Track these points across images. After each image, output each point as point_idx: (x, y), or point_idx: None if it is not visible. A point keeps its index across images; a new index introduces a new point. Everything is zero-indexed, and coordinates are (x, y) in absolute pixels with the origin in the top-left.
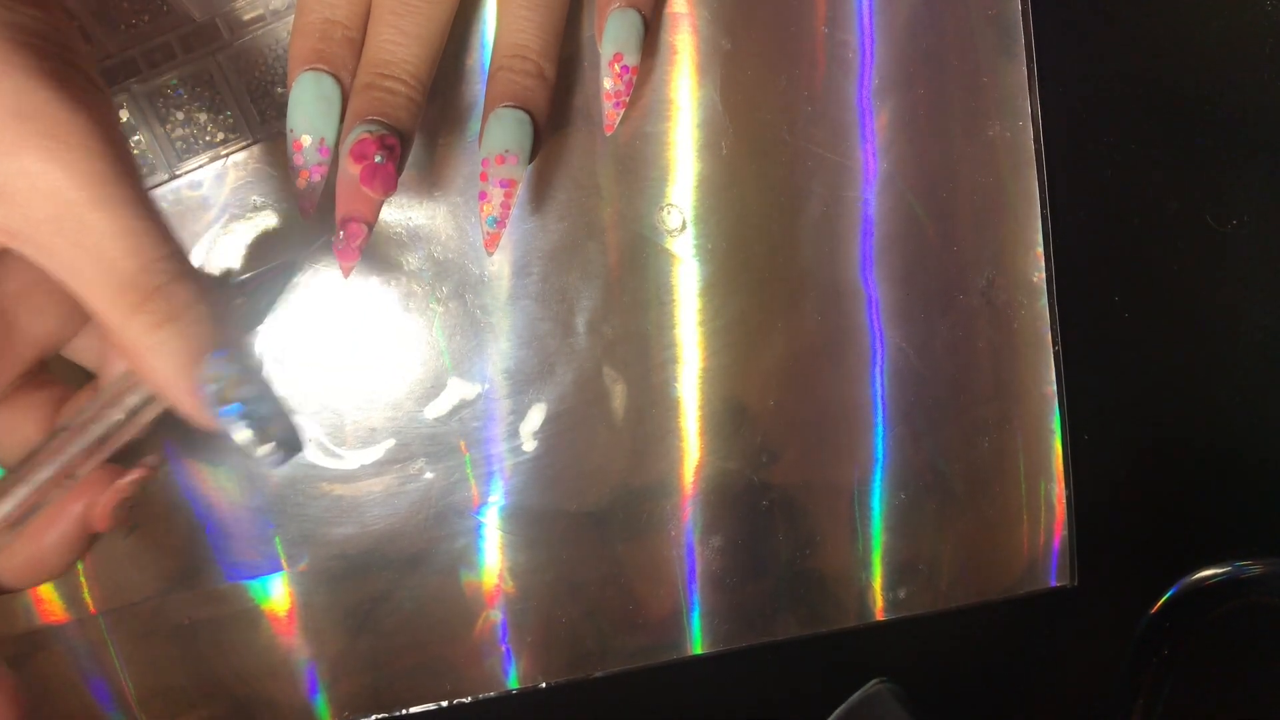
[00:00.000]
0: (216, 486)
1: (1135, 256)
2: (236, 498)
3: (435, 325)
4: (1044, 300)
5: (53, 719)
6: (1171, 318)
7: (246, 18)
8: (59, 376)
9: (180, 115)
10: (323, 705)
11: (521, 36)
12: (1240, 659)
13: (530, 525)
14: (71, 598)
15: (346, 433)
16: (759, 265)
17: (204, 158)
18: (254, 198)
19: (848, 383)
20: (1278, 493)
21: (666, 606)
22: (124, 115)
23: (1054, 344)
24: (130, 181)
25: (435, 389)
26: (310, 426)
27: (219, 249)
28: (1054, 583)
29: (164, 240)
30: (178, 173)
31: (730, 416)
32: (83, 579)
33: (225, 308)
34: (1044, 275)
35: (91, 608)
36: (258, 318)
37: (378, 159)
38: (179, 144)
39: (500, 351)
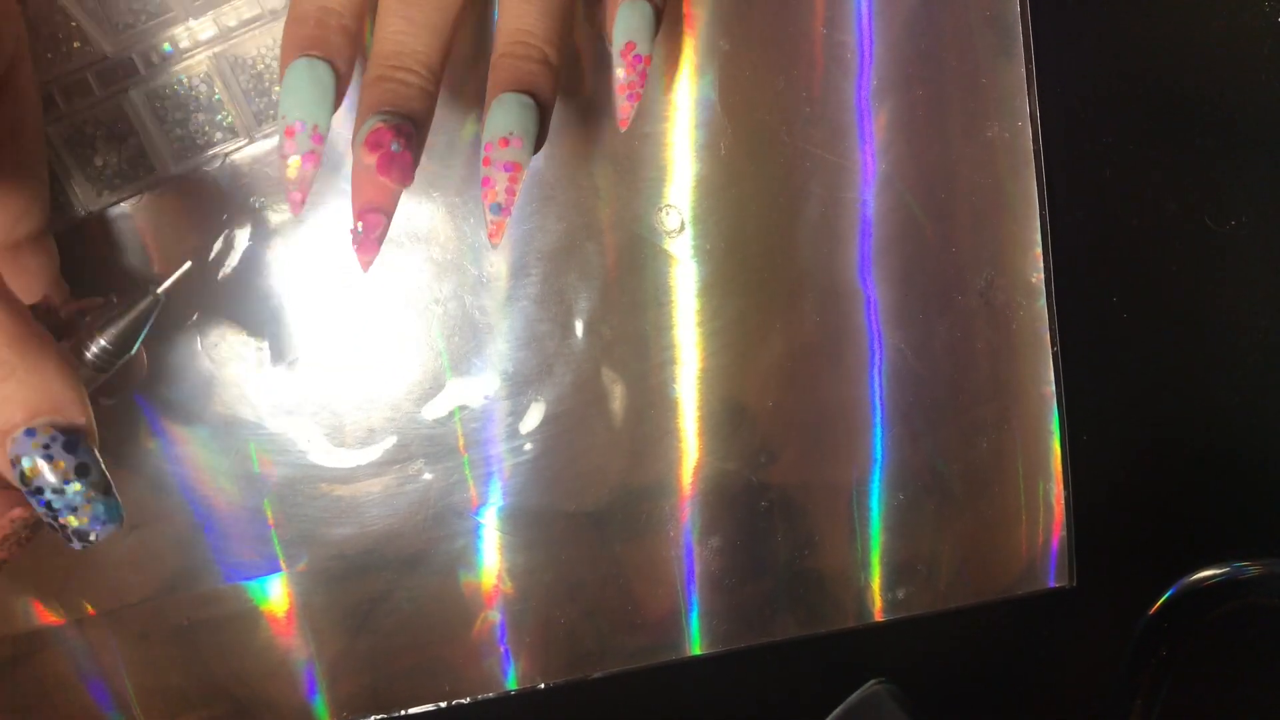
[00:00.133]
0: (215, 487)
1: (1134, 257)
2: (235, 498)
3: (434, 326)
4: (1042, 301)
5: (51, 719)
6: (1170, 318)
7: (244, 16)
8: None
9: (178, 116)
10: (321, 706)
11: (525, 21)
12: (1238, 659)
13: (529, 526)
14: (70, 598)
15: (345, 433)
16: (757, 266)
17: (202, 158)
18: (252, 199)
19: (846, 383)
20: (1276, 493)
21: (665, 607)
22: (122, 115)
23: (1053, 344)
24: None
25: (434, 390)
26: (309, 426)
27: (218, 251)
28: (1053, 583)
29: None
30: (175, 173)
31: (729, 417)
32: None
33: (62, 369)
34: (1043, 276)
35: (90, 608)
36: (113, 362)
37: (394, 147)
38: (176, 145)
39: (499, 352)
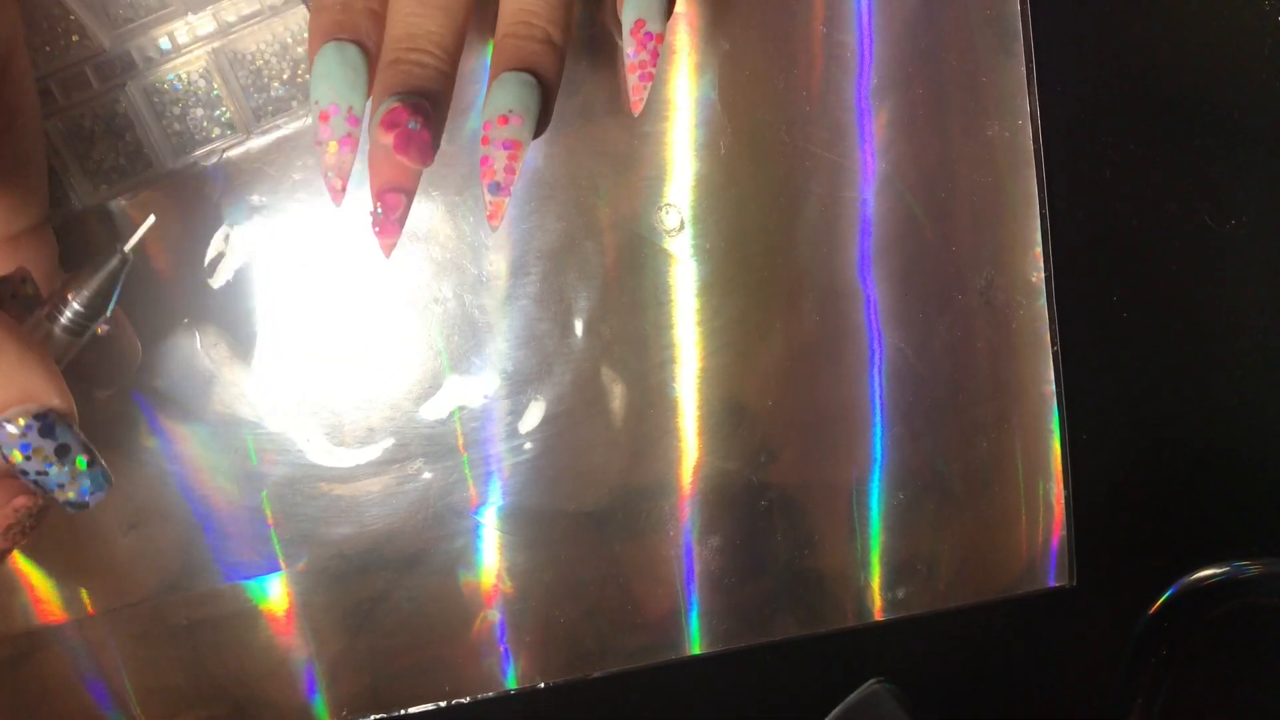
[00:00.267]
0: (215, 486)
1: (1134, 256)
2: (234, 497)
3: (434, 325)
4: (1043, 300)
5: (51, 719)
6: (1170, 318)
7: (244, 12)
8: None
9: (176, 110)
10: (321, 705)
11: (527, 2)
12: (1238, 659)
13: (528, 525)
14: (70, 598)
15: (345, 432)
16: (757, 265)
17: (200, 153)
18: (254, 198)
19: (846, 383)
20: (1276, 493)
21: (665, 606)
22: (120, 110)
23: (1053, 344)
24: None
25: (433, 389)
26: (309, 426)
27: (217, 250)
28: (1053, 583)
29: None
30: (172, 168)
31: (728, 416)
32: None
33: (27, 355)
34: (1043, 275)
35: (90, 608)
36: (86, 326)
37: (412, 125)
38: (174, 140)
39: (498, 351)
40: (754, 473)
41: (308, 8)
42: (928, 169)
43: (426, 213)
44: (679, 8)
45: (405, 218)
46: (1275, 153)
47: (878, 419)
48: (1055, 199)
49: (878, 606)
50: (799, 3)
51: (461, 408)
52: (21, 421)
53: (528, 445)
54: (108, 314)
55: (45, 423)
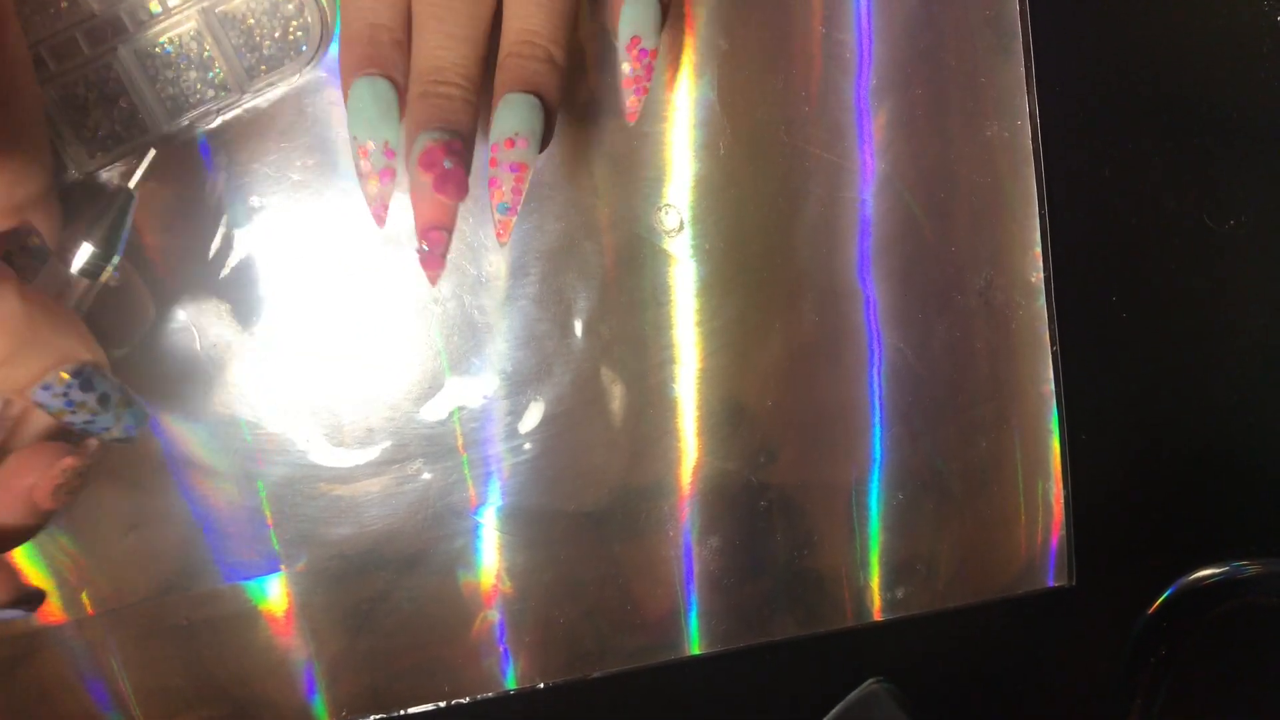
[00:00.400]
0: (214, 487)
1: (1133, 257)
2: (234, 498)
3: (433, 326)
4: (1042, 300)
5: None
6: (1169, 318)
7: None
8: None
9: (169, 74)
10: (320, 705)
11: (530, 22)
12: (1238, 659)
13: (528, 526)
14: (70, 599)
15: (344, 433)
16: (756, 265)
17: (194, 114)
18: (253, 199)
19: (845, 383)
20: (1275, 493)
21: (664, 607)
22: (111, 74)
23: (1052, 344)
24: None
25: (433, 389)
26: (308, 426)
27: (217, 250)
28: (1052, 582)
29: None
30: (168, 131)
31: (728, 417)
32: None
33: (55, 318)
34: (1042, 275)
35: (89, 609)
36: (101, 266)
37: (447, 164)
38: (168, 103)
39: (498, 352)
40: (753, 473)
41: None
42: (927, 169)
43: None
44: (678, 8)
45: (447, 250)
46: (1274, 153)
47: (877, 419)
48: (1054, 199)
49: (877, 606)
50: (798, 3)
51: (461, 408)
52: (65, 377)
53: (527, 446)
54: (118, 253)
55: (83, 378)
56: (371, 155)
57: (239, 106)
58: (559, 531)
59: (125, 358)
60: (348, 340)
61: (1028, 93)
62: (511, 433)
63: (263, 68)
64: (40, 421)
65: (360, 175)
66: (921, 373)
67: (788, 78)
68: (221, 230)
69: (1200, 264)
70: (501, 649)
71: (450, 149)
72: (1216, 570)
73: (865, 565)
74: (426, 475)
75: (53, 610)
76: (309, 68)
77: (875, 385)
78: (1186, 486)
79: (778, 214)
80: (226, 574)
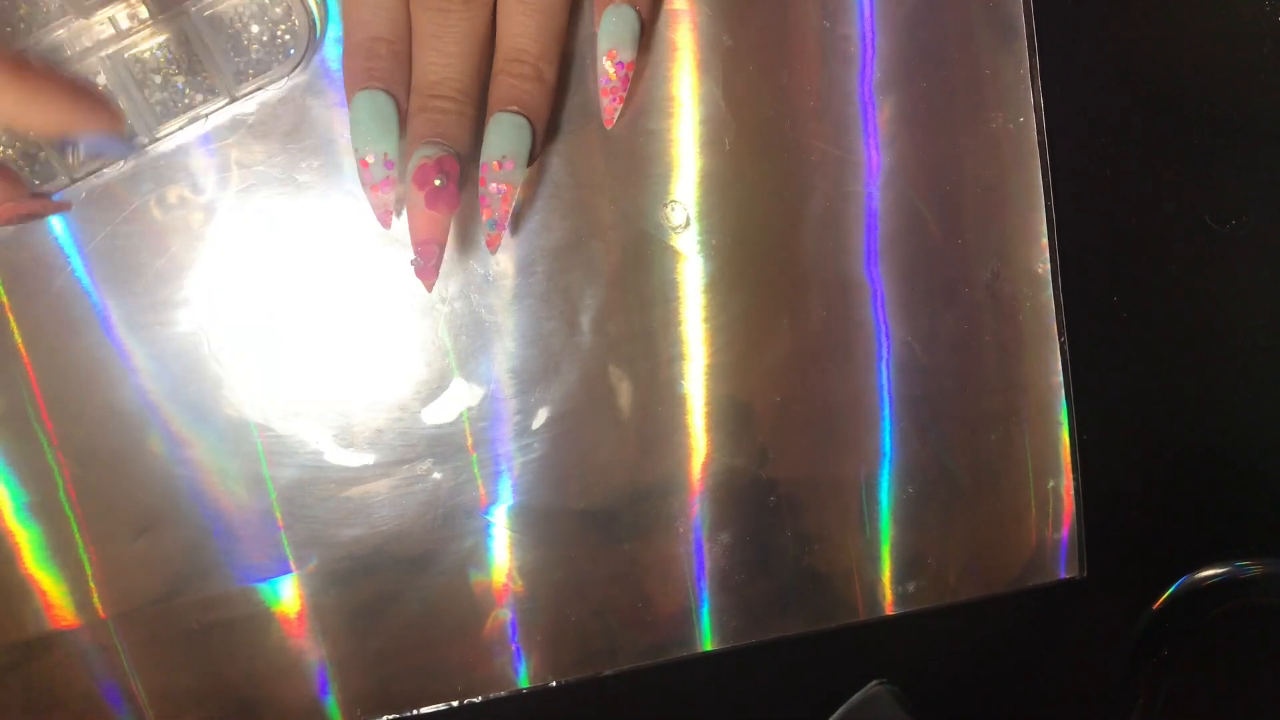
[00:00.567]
0: (224, 490)
1: (1133, 258)
2: (244, 500)
3: (441, 325)
4: (1049, 291)
5: None
6: (1170, 318)
7: None
8: None
9: (158, 79)
10: (333, 705)
11: (520, 40)
12: (1239, 659)
13: (538, 524)
14: (81, 603)
15: (353, 434)
16: (763, 261)
17: (183, 119)
18: (259, 200)
19: (853, 377)
20: (1277, 493)
21: (675, 604)
22: (101, 81)
23: (1060, 335)
24: None
25: (441, 389)
26: (317, 428)
27: (223, 257)
28: (1064, 574)
29: None
30: (158, 136)
31: (736, 413)
32: (92, 584)
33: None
34: (1048, 266)
35: (101, 612)
36: None
37: (437, 182)
38: (158, 108)
39: (506, 351)
40: (762, 469)
41: None
42: (932, 163)
43: None
44: (681, 5)
45: (440, 262)
46: (1275, 152)
47: (885, 413)
48: (1059, 193)
49: (888, 601)
50: None
51: (469, 407)
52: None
53: (536, 444)
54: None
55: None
56: (372, 167)
57: (227, 111)
58: (569, 529)
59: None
60: (356, 341)
61: (1032, 85)
62: (520, 431)
63: (250, 72)
64: None
65: (363, 186)
66: (929, 366)
67: (792, 73)
68: (228, 233)
69: (1201, 265)
70: (514, 647)
71: (441, 166)
72: (1218, 570)
73: (876, 560)
74: (436, 475)
75: (64, 614)
76: (297, 71)
77: (884, 379)
78: (1187, 487)
79: (784, 209)
80: (237, 576)
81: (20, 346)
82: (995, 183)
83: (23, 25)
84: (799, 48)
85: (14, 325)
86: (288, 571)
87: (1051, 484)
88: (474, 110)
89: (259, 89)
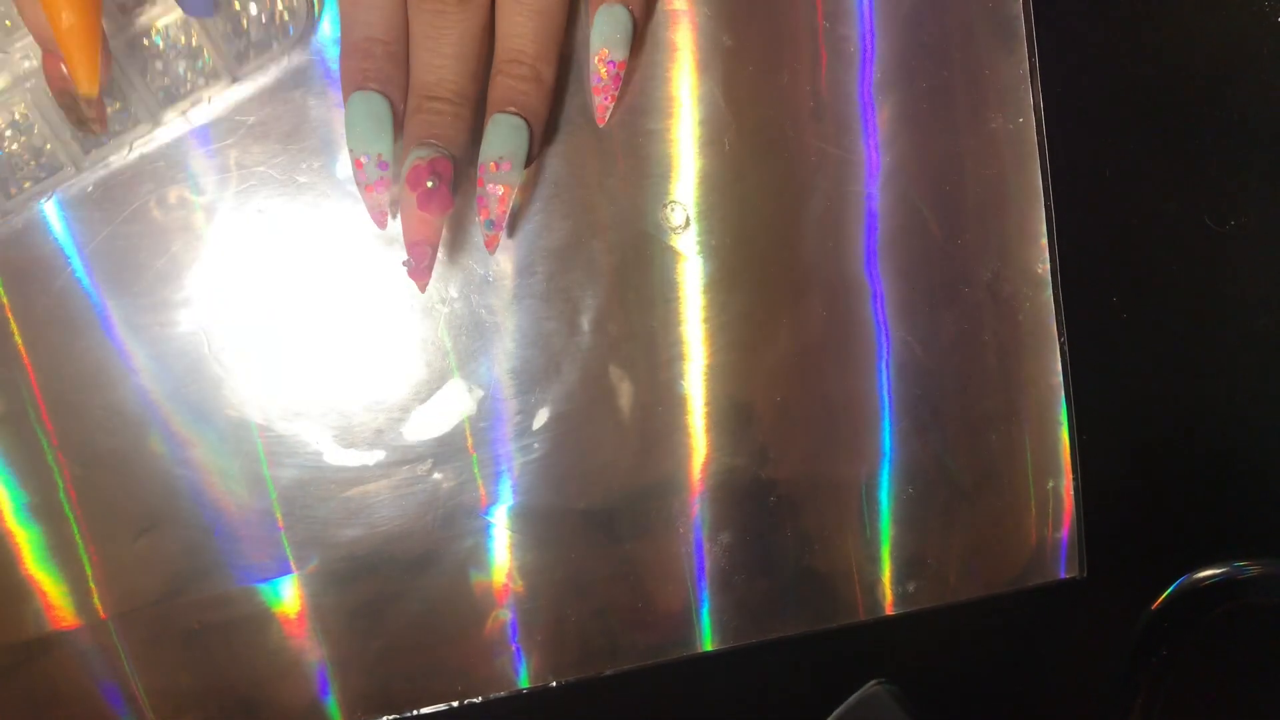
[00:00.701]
0: (225, 490)
1: (1133, 259)
2: (245, 501)
3: (441, 326)
4: (1049, 291)
5: None
6: (1170, 319)
7: None
8: None
9: (159, 66)
10: (333, 706)
11: (518, 41)
12: (1238, 660)
13: (538, 524)
14: (81, 603)
15: (354, 434)
16: (763, 261)
17: (186, 103)
18: (259, 201)
19: (853, 377)
20: (1276, 493)
21: (675, 604)
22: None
23: (1060, 335)
24: None
25: (441, 390)
26: (318, 428)
27: (223, 258)
28: (1064, 574)
29: None
30: (163, 121)
31: (736, 413)
32: (92, 584)
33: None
34: (1049, 267)
35: (101, 613)
36: None
37: (430, 184)
38: (161, 94)
39: (506, 351)
40: (762, 469)
41: None
42: (932, 163)
43: None
44: (681, 5)
45: (433, 264)
46: (1276, 152)
47: (886, 413)
48: (1059, 193)
49: (888, 601)
50: None
51: (470, 408)
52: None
53: (536, 444)
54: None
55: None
56: (366, 168)
57: (228, 92)
58: (569, 530)
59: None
60: (356, 342)
61: (1032, 85)
62: (520, 432)
63: (250, 51)
64: None
65: (358, 186)
66: (929, 366)
67: (792, 73)
68: (229, 233)
69: (1201, 265)
70: (514, 648)
71: (435, 168)
72: (1217, 571)
73: (876, 560)
74: (436, 475)
75: (65, 614)
76: (296, 50)
77: (884, 379)
78: (1187, 487)
79: (784, 209)
80: (238, 576)
81: (20, 347)
82: (995, 183)
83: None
84: (799, 48)
85: (14, 325)
86: (288, 572)
87: (1051, 484)
88: (470, 112)
89: (259, 69)
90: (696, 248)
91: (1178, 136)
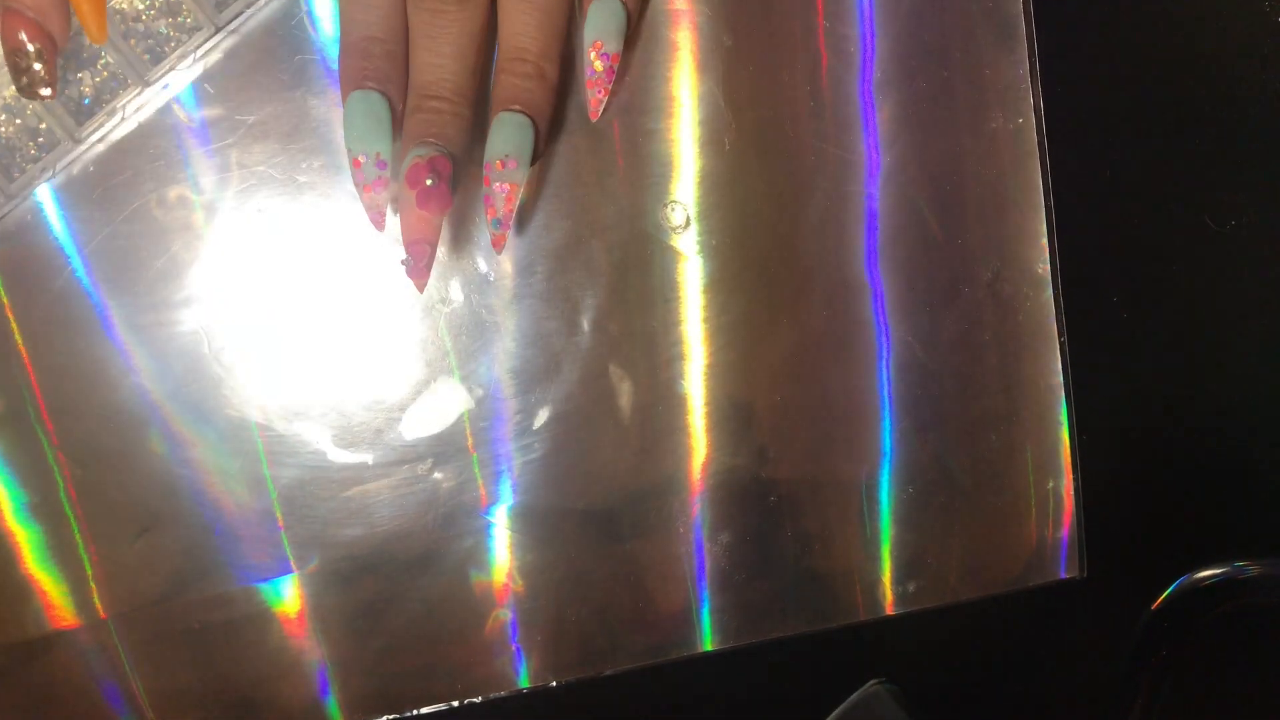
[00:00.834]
0: (225, 490)
1: (1133, 257)
2: (245, 500)
3: (441, 326)
4: (1049, 291)
5: None
6: (1169, 319)
7: None
8: None
9: (139, 28)
10: (334, 706)
11: (521, 39)
12: (1238, 660)
13: (538, 524)
14: (81, 602)
15: (354, 434)
16: (763, 261)
17: (173, 59)
18: (259, 200)
19: (854, 377)
20: (1276, 493)
21: (676, 603)
22: (86, 41)
23: (1060, 335)
24: None
25: (442, 389)
26: (318, 428)
27: (223, 257)
28: (1064, 574)
29: None
30: (152, 81)
31: (736, 413)
32: (92, 584)
33: None
34: (1049, 266)
35: (101, 612)
36: None
37: (429, 182)
38: (146, 56)
39: (506, 351)
40: (762, 468)
41: None
42: (932, 162)
43: None
44: (681, 4)
45: (431, 263)
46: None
47: (886, 413)
48: (1059, 193)
49: (889, 601)
50: None
51: (470, 407)
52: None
53: (537, 444)
54: None
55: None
56: (364, 167)
57: (213, 42)
58: (569, 529)
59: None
60: (356, 341)
61: (1032, 85)
62: (521, 431)
63: (230, 1)
64: None
65: (355, 186)
66: (930, 366)
67: (792, 73)
68: (229, 233)
69: (1201, 265)
70: (514, 647)
71: (434, 166)
72: (1217, 571)
73: (876, 560)
74: (436, 475)
75: (65, 614)
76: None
77: (884, 379)
78: (1187, 487)
79: (784, 209)
80: (238, 576)
81: (20, 347)
82: (995, 183)
83: None
84: (798, 47)
85: (14, 325)
86: (288, 571)
87: (1051, 484)
88: (469, 111)
89: (239, 15)
90: (697, 247)
91: (1178, 137)
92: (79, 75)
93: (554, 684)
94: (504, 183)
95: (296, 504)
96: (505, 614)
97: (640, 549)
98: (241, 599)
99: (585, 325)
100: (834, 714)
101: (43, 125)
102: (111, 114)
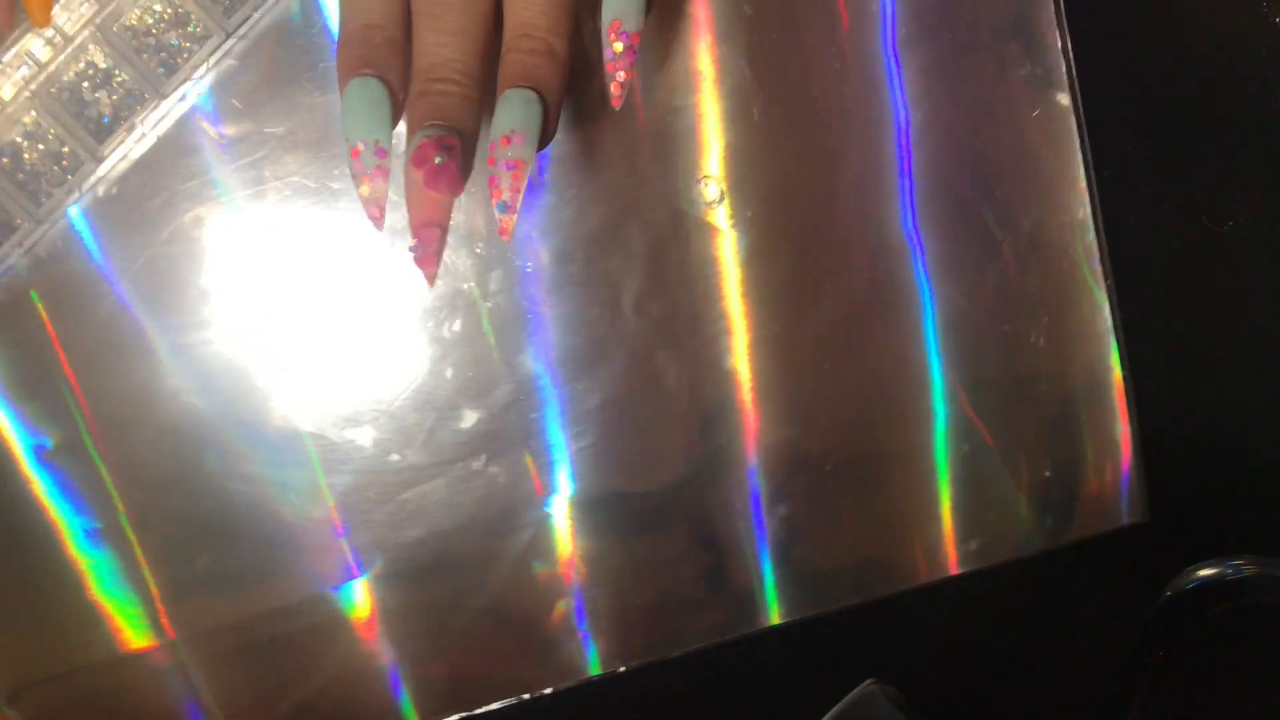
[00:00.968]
0: (283, 502)
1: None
2: (303, 511)
3: (484, 321)
4: (1092, 235)
5: None
6: (1168, 318)
7: None
8: None
9: (150, 42)
10: (408, 706)
11: (528, 14)
12: (1237, 659)
13: (596, 510)
14: (150, 624)
15: (406, 436)
16: (801, 229)
17: (187, 70)
18: (297, 207)
19: (900, 339)
20: (1275, 493)
21: (739, 580)
22: (100, 59)
23: (1106, 278)
24: None
25: (489, 384)
26: (369, 433)
27: (258, 268)
28: (1126, 520)
29: None
30: (167, 93)
31: (785, 384)
32: (160, 605)
33: None
34: (1089, 210)
35: (170, 632)
36: None
37: (438, 160)
38: (161, 70)
39: (551, 340)
40: (815, 438)
41: None
42: (964, 114)
43: (465, 211)
44: None
45: (442, 249)
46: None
47: (935, 373)
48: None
49: (952, 560)
50: None
51: (519, 400)
52: None
53: (588, 431)
54: None
55: None
56: (362, 156)
57: (224, 48)
58: (627, 513)
59: None
60: (402, 343)
61: (1059, 29)
62: (571, 420)
63: (236, 4)
64: None
65: (353, 176)
66: (977, 321)
67: (815, 36)
68: (267, 246)
69: (1200, 265)
70: (581, 634)
71: (442, 144)
72: (1216, 570)
73: (936, 520)
74: (491, 470)
75: (133, 637)
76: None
77: (931, 338)
78: (1186, 486)
79: (817, 174)
80: (302, 586)
81: (70, 376)
82: (1029, 129)
83: None
84: (819, 9)
85: (63, 355)
86: (352, 578)
87: (1107, 430)
88: (478, 92)
89: (247, 20)
90: (733, 221)
91: (1177, 136)
92: (96, 95)
93: (623, 669)
94: (510, 159)
95: (354, 510)
96: (570, 603)
97: (699, 527)
98: (307, 609)
99: (627, 309)
100: (829, 714)
101: (65, 149)
102: (131, 130)
